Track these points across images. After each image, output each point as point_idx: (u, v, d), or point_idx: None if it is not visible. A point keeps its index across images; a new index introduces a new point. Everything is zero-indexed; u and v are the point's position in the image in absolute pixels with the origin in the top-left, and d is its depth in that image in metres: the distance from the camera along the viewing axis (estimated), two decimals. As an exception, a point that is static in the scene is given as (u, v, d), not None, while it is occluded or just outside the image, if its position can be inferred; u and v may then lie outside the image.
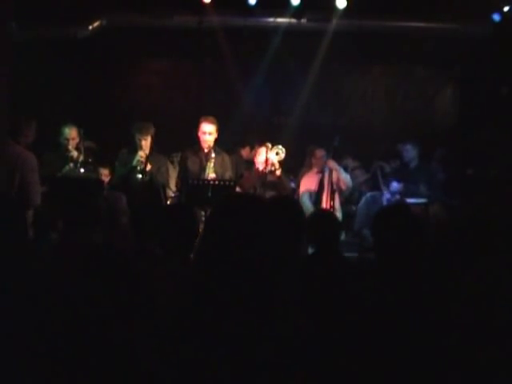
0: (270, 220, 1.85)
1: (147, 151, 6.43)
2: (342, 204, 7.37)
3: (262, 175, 6.64)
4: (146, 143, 6.46)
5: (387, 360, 2.40)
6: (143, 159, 6.38)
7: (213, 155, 6.30)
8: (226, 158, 6.53)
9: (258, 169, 6.76)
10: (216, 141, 6.39)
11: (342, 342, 2.47)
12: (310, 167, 7.46)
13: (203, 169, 6.32)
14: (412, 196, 6.84)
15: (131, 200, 5.38)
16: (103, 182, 6.36)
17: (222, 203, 1.89)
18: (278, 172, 6.67)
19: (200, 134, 6.33)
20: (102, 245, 2.43)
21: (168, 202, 6.35)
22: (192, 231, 3.21)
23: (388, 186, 6.88)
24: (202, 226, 3.17)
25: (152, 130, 6.53)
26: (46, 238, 4.01)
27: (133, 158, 6.41)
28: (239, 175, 6.74)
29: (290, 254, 3.15)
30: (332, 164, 7.01)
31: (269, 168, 6.62)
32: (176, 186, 6.56)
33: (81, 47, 8.27)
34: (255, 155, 7.00)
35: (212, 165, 6.29)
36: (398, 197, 6.75)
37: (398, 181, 6.85)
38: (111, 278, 2.16)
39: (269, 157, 6.62)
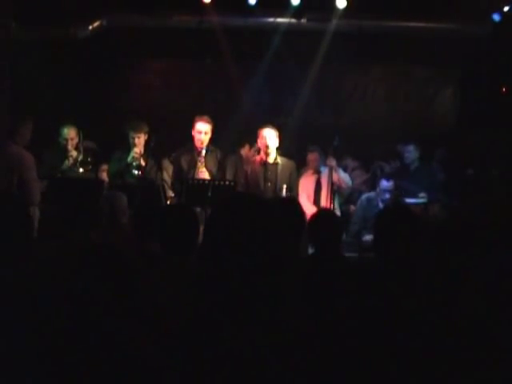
0: (270, 220, 1.85)
1: (141, 149, 6.43)
2: (342, 204, 7.36)
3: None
4: (140, 141, 6.46)
5: (387, 360, 2.41)
6: (138, 155, 6.38)
7: (203, 153, 6.23)
8: (220, 155, 6.40)
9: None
10: (211, 140, 6.33)
11: (342, 343, 2.47)
12: (307, 168, 7.48)
13: (194, 167, 6.24)
14: (412, 196, 6.81)
15: (130, 198, 5.39)
16: (103, 181, 6.37)
17: (222, 203, 1.89)
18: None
19: (195, 132, 6.25)
20: (101, 245, 2.43)
21: (168, 202, 6.34)
22: (192, 231, 3.21)
23: (379, 185, 6.79)
24: (202, 226, 3.19)
25: (146, 129, 6.52)
26: (46, 237, 4.01)
27: (127, 156, 6.41)
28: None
29: (290, 254, 3.15)
30: (331, 161, 6.96)
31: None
32: (171, 186, 6.54)
33: (81, 47, 8.27)
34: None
35: (203, 163, 6.22)
36: (387, 196, 6.62)
37: (388, 179, 6.76)
38: (111, 278, 2.17)
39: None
